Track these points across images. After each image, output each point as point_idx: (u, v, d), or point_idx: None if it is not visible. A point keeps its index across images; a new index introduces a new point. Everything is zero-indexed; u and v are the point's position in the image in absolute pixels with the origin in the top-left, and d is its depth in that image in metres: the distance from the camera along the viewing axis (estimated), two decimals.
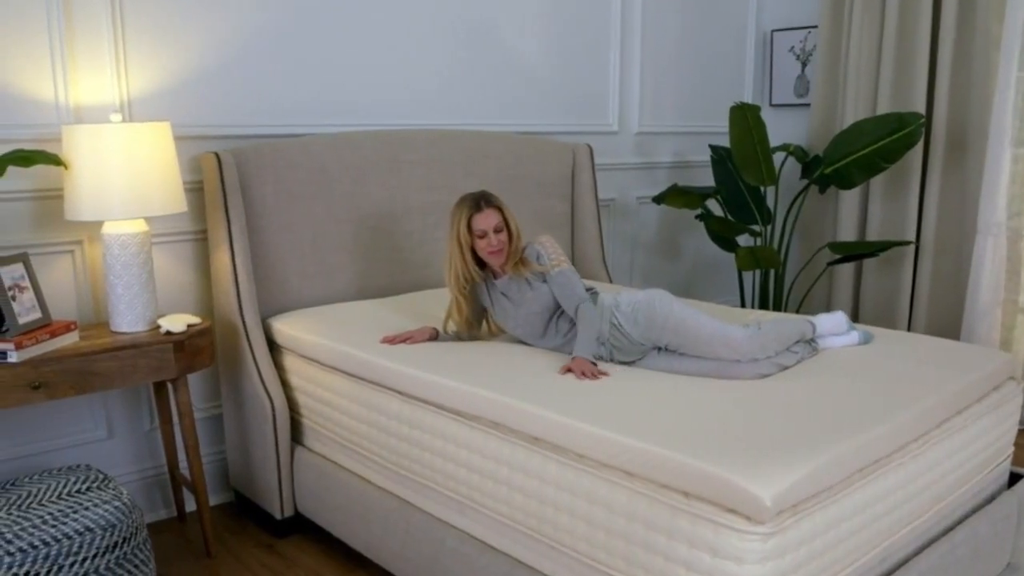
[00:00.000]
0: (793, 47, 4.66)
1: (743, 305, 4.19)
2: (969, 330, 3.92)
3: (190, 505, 3.04)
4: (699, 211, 4.17)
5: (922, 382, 2.24)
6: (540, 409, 2.04)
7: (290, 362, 2.88)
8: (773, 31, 4.73)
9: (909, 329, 4.24)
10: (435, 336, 2.73)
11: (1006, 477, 2.61)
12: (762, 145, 3.71)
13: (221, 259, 2.87)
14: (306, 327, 2.83)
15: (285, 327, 2.88)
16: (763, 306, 4.11)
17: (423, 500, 2.39)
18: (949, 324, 4.13)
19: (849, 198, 4.33)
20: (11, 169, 2.51)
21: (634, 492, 1.83)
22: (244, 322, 2.85)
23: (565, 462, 1.98)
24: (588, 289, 2.66)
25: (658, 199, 3.96)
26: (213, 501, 3.11)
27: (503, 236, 2.55)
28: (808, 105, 4.56)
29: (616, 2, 4.07)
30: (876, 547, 1.99)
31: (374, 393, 2.52)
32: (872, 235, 4.27)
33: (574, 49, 3.98)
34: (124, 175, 2.51)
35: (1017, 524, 2.52)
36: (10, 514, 2.23)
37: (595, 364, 2.36)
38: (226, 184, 2.82)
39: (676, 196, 3.85)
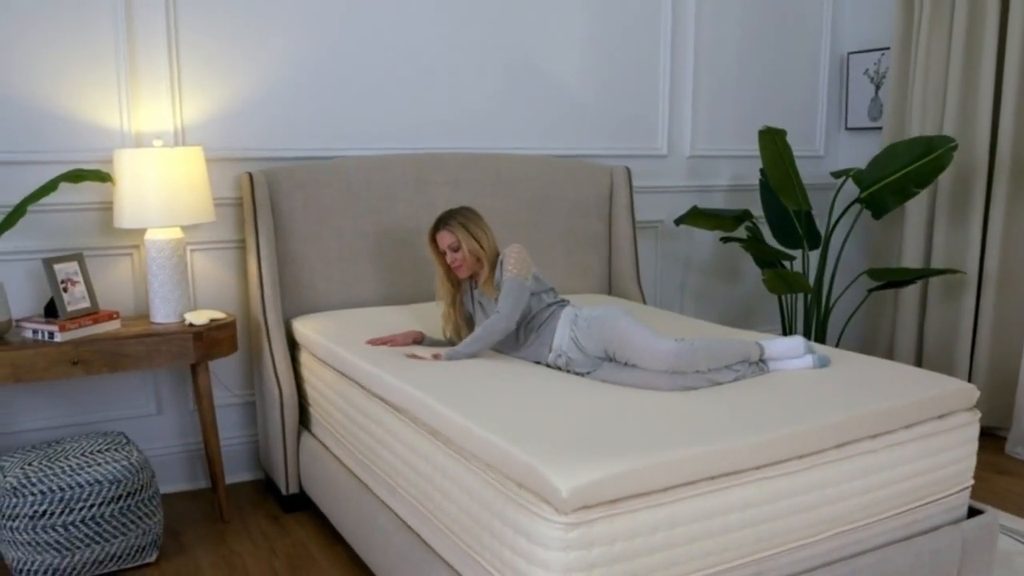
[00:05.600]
0: (867, 70, 4.55)
1: (785, 331, 4.14)
2: None
3: (226, 478, 3.47)
4: (745, 233, 4.18)
5: (835, 404, 2.25)
6: (434, 401, 2.27)
7: (304, 357, 3.26)
8: (849, 53, 4.64)
9: (971, 363, 4.02)
10: (420, 340, 3.01)
11: (962, 512, 2.51)
12: (792, 169, 3.70)
13: (251, 265, 3.31)
14: (315, 327, 3.19)
15: (301, 326, 3.27)
16: (806, 334, 4.05)
17: (372, 482, 2.67)
18: (1013, 359, 3.89)
19: (914, 225, 4.18)
20: (87, 185, 3.09)
21: (486, 481, 2.02)
22: (266, 320, 3.26)
23: (449, 452, 2.19)
24: (556, 301, 2.86)
25: (678, 221, 4.02)
26: (245, 478, 3.56)
27: (459, 254, 2.82)
28: (881, 128, 4.43)
29: (666, 28, 4.19)
30: (741, 558, 2.05)
31: (347, 385, 2.84)
32: (937, 264, 4.09)
33: (621, 74, 4.14)
34: (160, 190, 2.99)
35: (961, 562, 2.42)
36: (40, 463, 2.74)
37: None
38: (256, 199, 3.26)
39: (697, 218, 3.91)
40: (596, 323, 2.66)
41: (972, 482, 2.52)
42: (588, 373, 2.63)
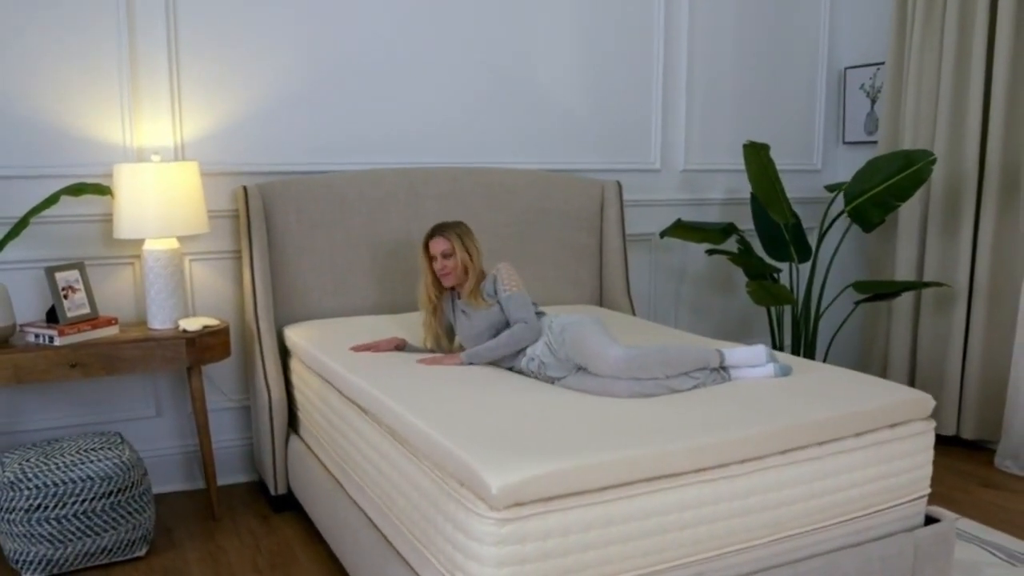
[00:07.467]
0: (864, 84, 4.58)
1: (774, 344, 4.18)
2: (1017, 380, 3.69)
3: (221, 479, 3.61)
4: (737, 247, 4.23)
5: (781, 411, 2.31)
6: (392, 401, 2.39)
7: (294, 363, 3.40)
8: (847, 68, 4.68)
9: (962, 376, 4.02)
10: (402, 346, 3.12)
11: (919, 520, 2.54)
12: (778, 183, 3.75)
13: (245, 274, 3.46)
14: (303, 334, 3.32)
15: (292, 333, 3.40)
16: (794, 345, 4.09)
17: (346, 482, 2.79)
18: (1002, 372, 3.88)
19: (906, 238, 4.20)
20: (89, 198, 3.26)
21: (433, 478, 2.12)
22: (258, 327, 3.40)
23: (404, 451, 2.30)
24: (536, 312, 2.95)
25: (663, 234, 4.09)
26: (240, 479, 3.70)
27: (451, 261, 2.95)
28: (876, 142, 4.46)
29: (658, 43, 4.27)
30: (681, 559, 2.11)
31: (326, 389, 2.96)
32: (929, 276, 4.11)
33: (612, 89, 4.23)
34: (157, 203, 3.15)
35: (914, 569, 2.45)
36: (37, 459, 2.90)
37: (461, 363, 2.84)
38: (251, 212, 3.41)
39: (682, 231, 3.97)
40: (568, 328, 2.76)
41: (929, 491, 2.55)
42: (561, 379, 2.71)
